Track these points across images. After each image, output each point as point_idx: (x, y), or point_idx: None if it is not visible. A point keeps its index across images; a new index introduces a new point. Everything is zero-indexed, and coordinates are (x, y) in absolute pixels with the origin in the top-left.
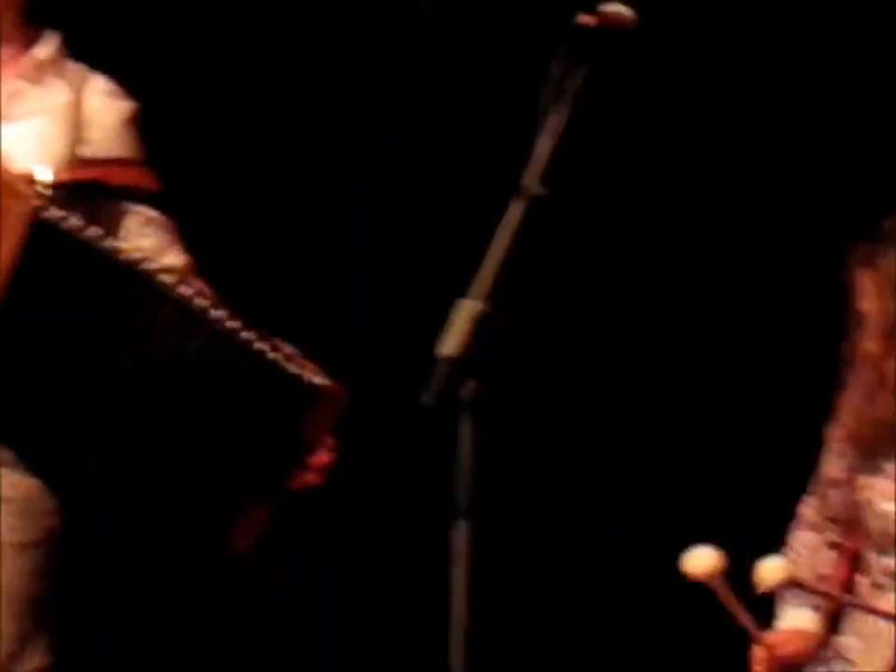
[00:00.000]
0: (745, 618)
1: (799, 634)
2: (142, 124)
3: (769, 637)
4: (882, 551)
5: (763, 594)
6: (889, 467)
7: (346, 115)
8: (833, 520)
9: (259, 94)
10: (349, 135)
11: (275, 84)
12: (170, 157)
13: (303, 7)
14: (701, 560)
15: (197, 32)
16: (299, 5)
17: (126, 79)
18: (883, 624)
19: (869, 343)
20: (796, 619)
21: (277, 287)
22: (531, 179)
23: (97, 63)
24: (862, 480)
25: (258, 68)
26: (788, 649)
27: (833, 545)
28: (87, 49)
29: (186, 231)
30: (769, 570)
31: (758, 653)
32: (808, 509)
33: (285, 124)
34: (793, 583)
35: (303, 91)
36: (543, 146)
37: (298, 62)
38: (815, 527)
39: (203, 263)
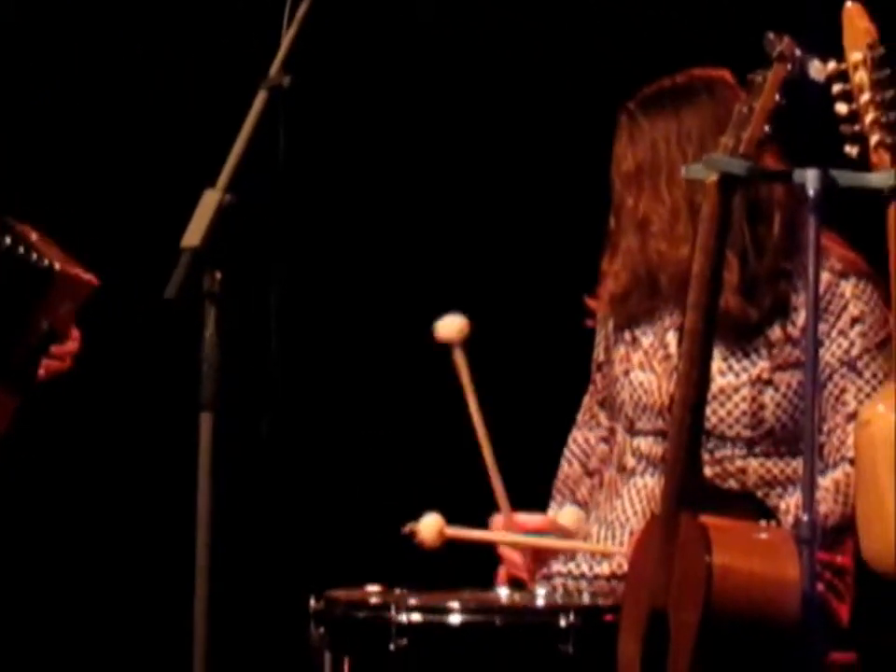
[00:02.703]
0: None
1: (552, 521)
2: None
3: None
4: (633, 429)
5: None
6: (645, 339)
7: None
8: (601, 403)
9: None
10: None
11: None
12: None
13: None
14: (449, 325)
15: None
16: None
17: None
18: (630, 511)
19: (625, 195)
20: (560, 516)
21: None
22: (275, 68)
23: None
24: (620, 353)
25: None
26: (530, 525)
27: (604, 439)
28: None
29: None
30: (427, 526)
31: (495, 521)
32: (586, 396)
33: None
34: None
35: None
36: (287, 36)
37: None
38: (588, 422)
39: None
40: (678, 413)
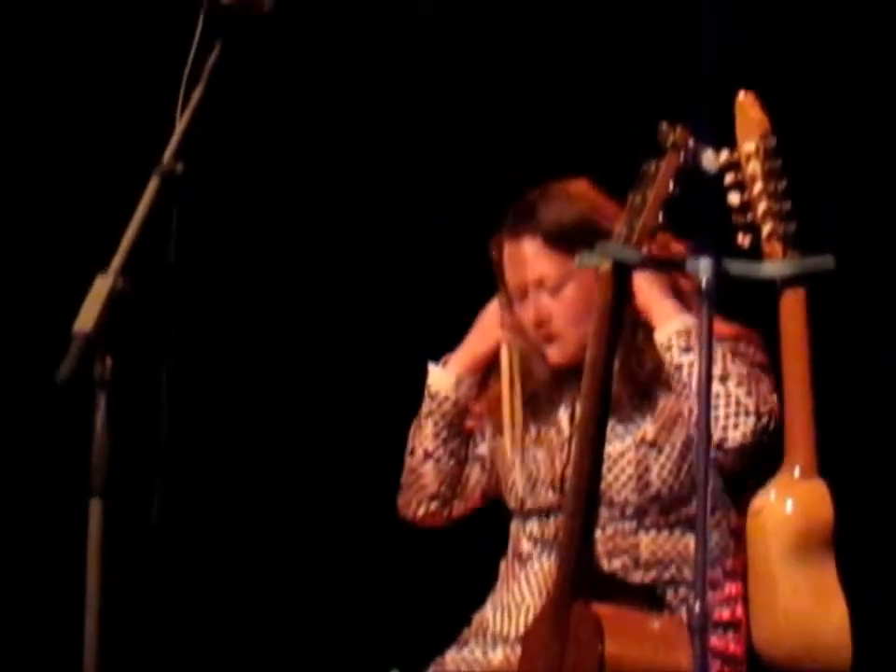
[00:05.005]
0: None
1: None
2: None
3: None
4: (524, 509)
5: None
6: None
7: None
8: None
9: None
10: None
11: None
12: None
13: None
14: None
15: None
16: None
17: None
18: (526, 591)
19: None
20: None
21: None
22: (168, 155)
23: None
24: (496, 442)
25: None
26: None
27: None
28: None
29: None
30: None
31: None
32: None
33: None
34: None
35: None
36: (181, 122)
37: None
38: None
39: None
40: (570, 501)
